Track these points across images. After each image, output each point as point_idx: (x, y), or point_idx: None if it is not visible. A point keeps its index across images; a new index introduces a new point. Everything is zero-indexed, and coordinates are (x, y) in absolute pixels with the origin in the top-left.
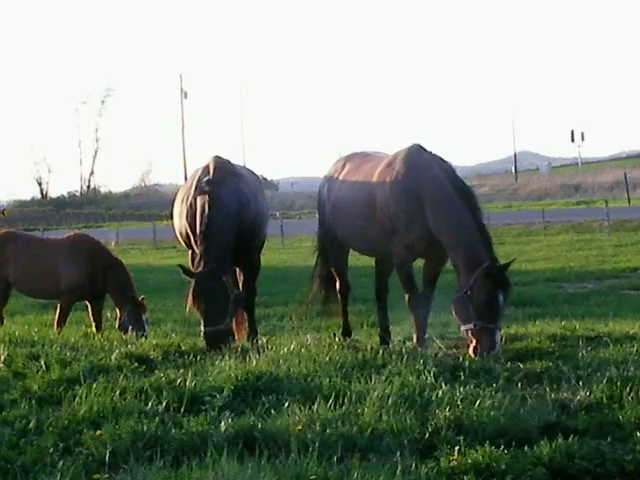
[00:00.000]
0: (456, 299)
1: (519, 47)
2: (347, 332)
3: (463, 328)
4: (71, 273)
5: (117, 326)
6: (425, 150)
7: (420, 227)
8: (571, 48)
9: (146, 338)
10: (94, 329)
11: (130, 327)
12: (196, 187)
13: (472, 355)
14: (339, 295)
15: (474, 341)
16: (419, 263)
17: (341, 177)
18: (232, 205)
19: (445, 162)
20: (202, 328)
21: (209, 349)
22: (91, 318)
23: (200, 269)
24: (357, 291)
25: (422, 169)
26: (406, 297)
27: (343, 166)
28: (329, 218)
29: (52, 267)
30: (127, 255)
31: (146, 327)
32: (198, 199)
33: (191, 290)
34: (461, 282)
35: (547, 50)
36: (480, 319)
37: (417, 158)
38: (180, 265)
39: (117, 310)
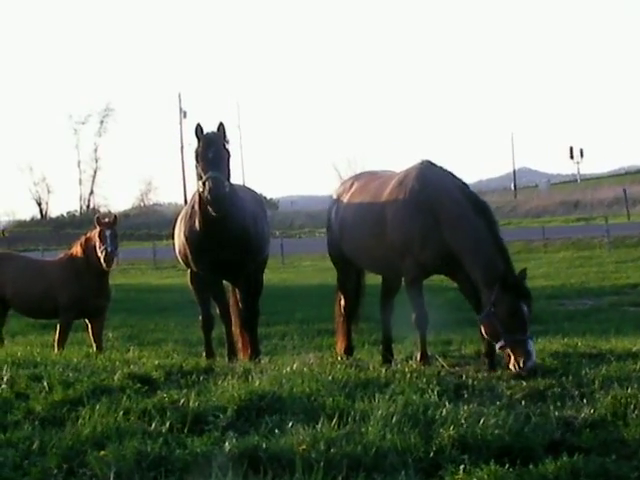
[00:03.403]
0: (482, 318)
1: (518, 64)
2: (349, 350)
3: (497, 346)
4: (67, 291)
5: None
6: (436, 166)
7: (435, 244)
8: (570, 64)
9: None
10: (95, 349)
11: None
12: (192, 206)
13: (513, 370)
14: (343, 312)
15: (511, 356)
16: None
17: (349, 196)
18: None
19: (457, 178)
20: (206, 177)
21: (212, 198)
22: (91, 338)
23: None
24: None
25: (436, 185)
26: (413, 315)
27: (351, 185)
28: (337, 236)
29: (48, 287)
30: (127, 275)
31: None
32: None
33: (201, 144)
34: (483, 300)
35: (546, 67)
36: (510, 333)
37: (430, 174)
38: (198, 125)
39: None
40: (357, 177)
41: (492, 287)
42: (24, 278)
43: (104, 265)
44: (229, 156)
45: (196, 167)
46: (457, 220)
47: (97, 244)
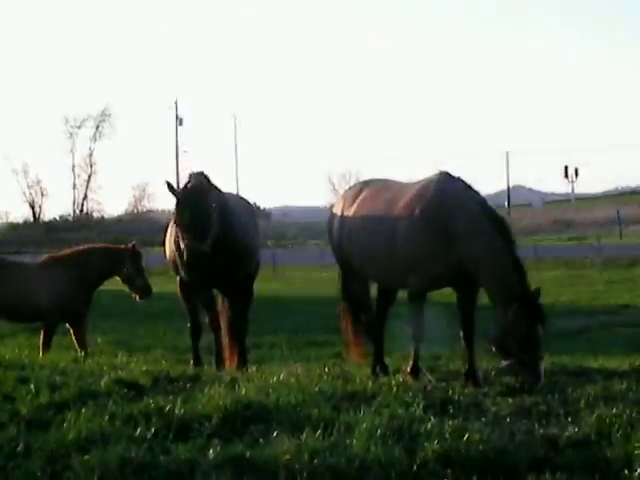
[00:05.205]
0: (497, 335)
1: (516, 83)
2: (381, 363)
3: (505, 363)
4: (50, 295)
5: (123, 280)
6: (454, 178)
7: (448, 260)
8: (567, 83)
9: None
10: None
11: (134, 277)
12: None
13: (520, 388)
14: (366, 327)
15: (519, 374)
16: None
17: (358, 202)
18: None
19: (474, 191)
20: (183, 243)
21: (188, 272)
22: (75, 343)
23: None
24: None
25: (454, 201)
26: (412, 328)
27: (360, 191)
28: (345, 244)
29: (30, 290)
30: (117, 280)
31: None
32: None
33: (175, 205)
34: (499, 317)
35: (543, 85)
36: (523, 352)
37: (448, 189)
38: (167, 182)
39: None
40: (367, 183)
41: (508, 305)
42: (3, 281)
43: (140, 297)
44: (208, 209)
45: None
46: (475, 237)
47: (134, 272)
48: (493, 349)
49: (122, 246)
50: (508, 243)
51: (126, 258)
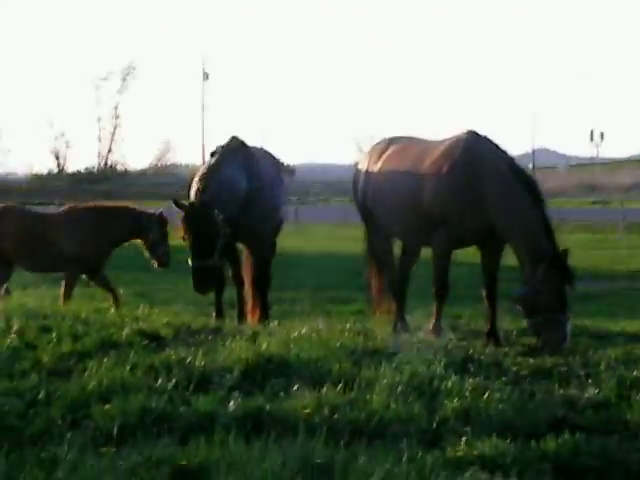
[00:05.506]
0: (523, 292)
1: (544, 43)
2: (403, 320)
3: (531, 322)
4: (71, 244)
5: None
6: (482, 137)
7: (475, 219)
8: (596, 45)
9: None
10: (111, 300)
11: (157, 244)
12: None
13: (544, 348)
14: (388, 284)
15: (543, 334)
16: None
17: (383, 159)
18: (235, 182)
19: (503, 150)
20: (190, 263)
21: (197, 286)
22: (106, 293)
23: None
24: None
25: (484, 160)
26: (434, 287)
27: (386, 148)
28: (369, 201)
29: (49, 241)
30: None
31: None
32: (199, 172)
33: (181, 221)
34: (527, 275)
35: (572, 46)
36: (551, 312)
37: (476, 147)
38: (174, 199)
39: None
40: (393, 140)
41: (537, 264)
42: (25, 231)
43: (159, 265)
44: (213, 226)
45: None
46: (504, 196)
47: (158, 239)
48: (518, 307)
49: (151, 211)
50: (538, 202)
51: (153, 224)
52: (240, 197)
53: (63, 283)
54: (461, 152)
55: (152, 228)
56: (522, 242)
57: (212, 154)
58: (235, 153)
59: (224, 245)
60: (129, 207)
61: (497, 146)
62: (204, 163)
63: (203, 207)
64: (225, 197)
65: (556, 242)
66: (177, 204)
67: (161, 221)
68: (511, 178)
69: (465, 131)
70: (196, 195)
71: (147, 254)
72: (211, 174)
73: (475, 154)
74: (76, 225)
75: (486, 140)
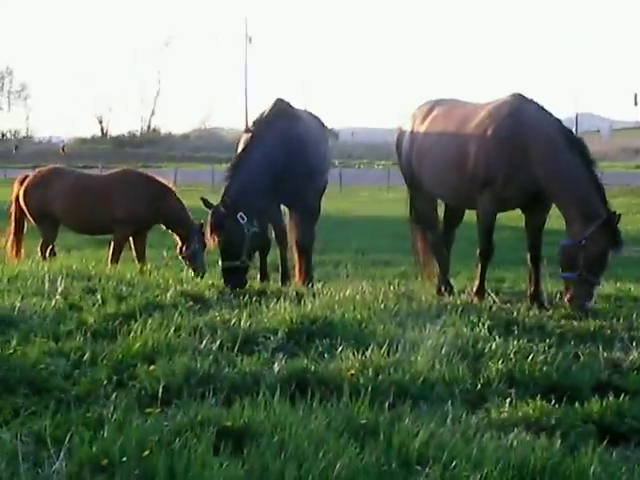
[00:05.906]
0: (566, 245)
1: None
2: (447, 283)
3: (565, 275)
4: (123, 207)
5: (180, 254)
6: (528, 100)
7: (520, 181)
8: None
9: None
10: (138, 263)
11: (196, 254)
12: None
13: (567, 303)
14: (432, 247)
15: (572, 290)
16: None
17: (428, 121)
18: (275, 145)
19: (549, 112)
20: (220, 264)
21: (226, 285)
22: (135, 255)
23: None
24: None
25: (530, 122)
26: (479, 249)
27: (430, 110)
28: (414, 163)
29: (101, 202)
30: (185, 196)
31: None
32: (242, 137)
33: (208, 223)
34: (575, 230)
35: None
36: (587, 271)
37: (524, 110)
38: (202, 197)
39: (177, 239)
40: (438, 102)
41: (588, 222)
42: (75, 193)
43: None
44: (238, 227)
45: None
46: (553, 157)
47: (199, 249)
48: (560, 257)
49: (195, 223)
50: (587, 164)
51: (196, 233)
52: (279, 162)
53: (112, 245)
54: (507, 113)
55: (194, 237)
56: (573, 202)
57: (253, 123)
58: (272, 123)
59: (252, 245)
60: (179, 207)
61: (543, 108)
62: (247, 127)
63: (226, 212)
64: (250, 189)
65: (608, 203)
66: (206, 203)
67: (202, 233)
68: (558, 137)
69: (511, 94)
70: (222, 197)
71: (183, 260)
72: (238, 163)
73: (521, 116)
74: (129, 188)
75: (532, 102)
